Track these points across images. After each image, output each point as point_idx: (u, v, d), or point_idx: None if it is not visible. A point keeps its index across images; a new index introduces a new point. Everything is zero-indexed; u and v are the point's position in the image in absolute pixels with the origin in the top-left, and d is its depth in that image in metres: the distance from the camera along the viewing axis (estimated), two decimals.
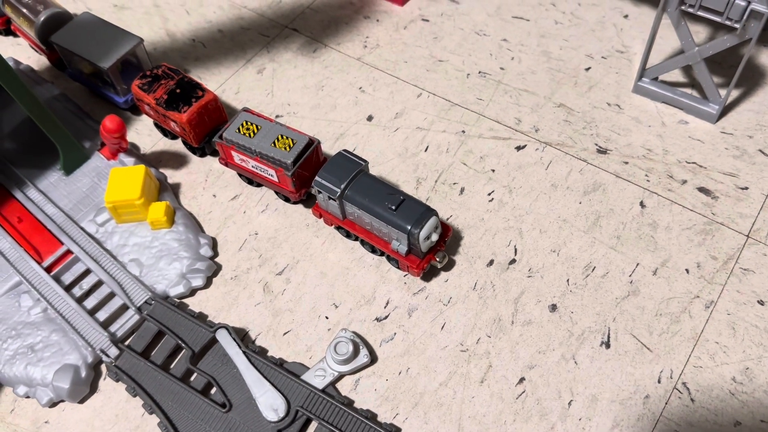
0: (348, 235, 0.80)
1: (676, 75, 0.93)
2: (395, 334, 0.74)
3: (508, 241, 0.79)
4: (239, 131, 0.79)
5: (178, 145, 0.91)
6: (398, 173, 0.86)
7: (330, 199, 0.75)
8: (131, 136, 0.93)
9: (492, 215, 0.81)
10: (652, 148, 0.85)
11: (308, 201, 0.84)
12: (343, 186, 0.74)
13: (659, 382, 0.69)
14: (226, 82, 0.98)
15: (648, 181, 0.82)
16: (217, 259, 0.81)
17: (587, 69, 0.94)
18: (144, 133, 0.93)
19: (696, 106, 0.87)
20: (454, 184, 0.84)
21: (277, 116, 0.93)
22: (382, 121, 0.91)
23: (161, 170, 0.89)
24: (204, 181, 0.88)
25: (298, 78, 0.97)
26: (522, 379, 0.70)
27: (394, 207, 0.72)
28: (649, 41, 0.85)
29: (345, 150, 0.78)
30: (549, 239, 0.79)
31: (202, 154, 0.89)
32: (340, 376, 0.71)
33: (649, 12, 1.00)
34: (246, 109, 0.83)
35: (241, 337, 0.75)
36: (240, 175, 0.86)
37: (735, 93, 0.90)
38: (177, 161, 0.90)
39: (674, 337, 0.72)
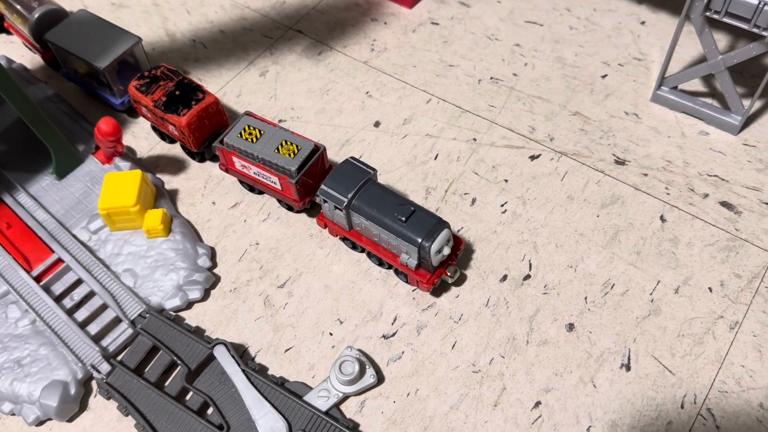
0: (354, 247, 0.76)
1: (695, 84, 0.89)
2: (403, 352, 0.70)
3: (522, 256, 0.75)
4: (241, 136, 0.75)
5: (176, 150, 0.87)
6: (406, 182, 0.82)
7: (336, 209, 0.71)
8: (127, 139, 0.89)
9: (505, 228, 0.78)
10: (672, 160, 0.82)
11: (312, 210, 0.80)
12: (350, 195, 0.70)
13: (682, 407, 0.66)
14: (227, 85, 0.94)
15: (668, 194, 0.79)
16: (215, 270, 0.77)
17: (603, 76, 0.90)
18: (141, 137, 0.89)
19: (717, 117, 0.83)
20: (465, 194, 0.81)
21: (280, 121, 0.89)
22: (389, 128, 0.87)
23: (158, 176, 0.85)
24: (203, 188, 0.84)
25: (302, 81, 0.93)
26: (538, 403, 0.66)
27: (404, 218, 0.69)
28: (669, 49, 0.82)
29: (352, 157, 0.74)
30: (565, 254, 0.75)
31: (202, 160, 0.85)
32: (345, 398, 0.67)
33: (667, 19, 0.96)
34: (248, 113, 0.79)
35: (240, 353, 0.71)
36: (241, 182, 0.82)
37: (757, 104, 0.86)
38: (175, 166, 0.86)
39: (697, 360, 0.68)
